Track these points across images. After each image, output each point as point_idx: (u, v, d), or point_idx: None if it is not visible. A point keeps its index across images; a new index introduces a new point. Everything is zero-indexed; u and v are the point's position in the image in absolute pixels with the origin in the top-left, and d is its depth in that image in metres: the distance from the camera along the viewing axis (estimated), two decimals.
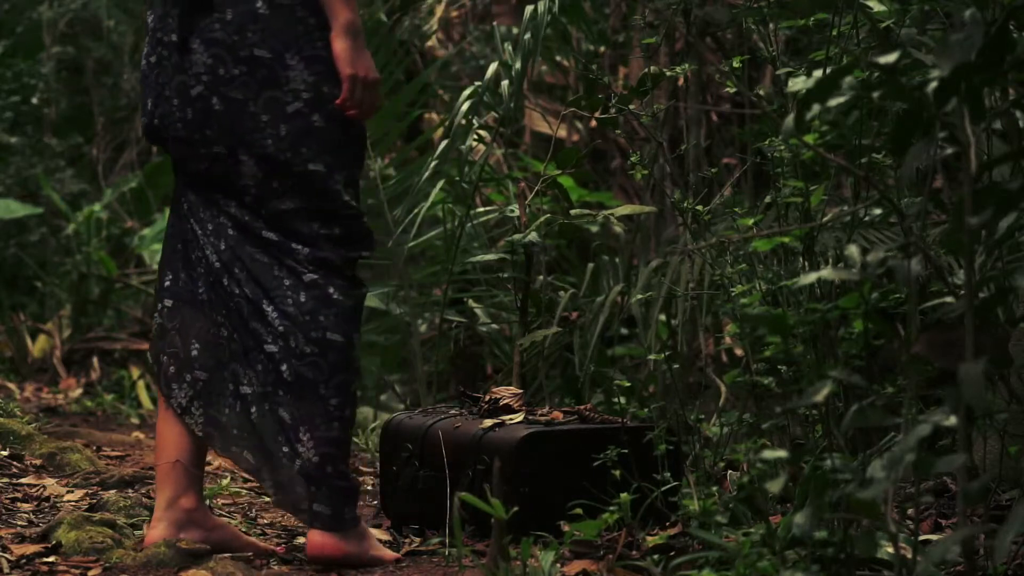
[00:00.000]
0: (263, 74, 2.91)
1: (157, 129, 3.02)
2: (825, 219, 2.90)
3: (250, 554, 2.96)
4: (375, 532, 3.13)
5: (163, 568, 2.79)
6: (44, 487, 3.59)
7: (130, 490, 3.59)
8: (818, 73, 2.46)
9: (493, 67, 4.66)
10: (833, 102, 1.92)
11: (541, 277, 4.50)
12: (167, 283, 3.04)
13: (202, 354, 2.99)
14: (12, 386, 6.63)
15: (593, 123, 6.32)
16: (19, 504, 3.42)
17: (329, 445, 2.90)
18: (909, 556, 1.99)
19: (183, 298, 3.01)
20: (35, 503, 3.45)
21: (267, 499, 3.65)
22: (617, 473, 2.91)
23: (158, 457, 3.00)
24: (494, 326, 5.11)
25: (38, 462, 3.95)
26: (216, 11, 2.93)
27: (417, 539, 3.13)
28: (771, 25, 3.20)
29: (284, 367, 2.93)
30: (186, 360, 2.99)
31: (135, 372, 6.72)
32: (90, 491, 3.57)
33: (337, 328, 2.95)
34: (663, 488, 2.90)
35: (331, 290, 2.96)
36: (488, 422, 3.25)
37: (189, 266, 3.02)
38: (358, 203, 3.02)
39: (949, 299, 2.21)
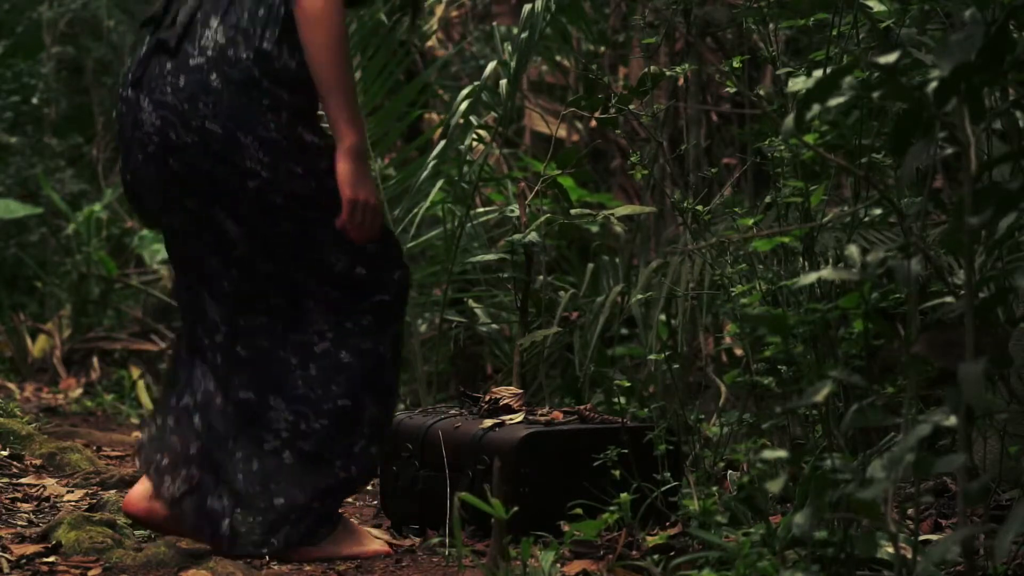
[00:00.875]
0: (217, 148, 2.83)
1: (130, 184, 2.97)
2: (825, 219, 2.90)
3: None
4: (375, 532, 3.14)
5: (163, 568, 2.79)
6: (44, 487, 3.59)
7: (130, 490, 3.59)
8: (818, 73, 2.45)
9: (491, 66, 4.66)
10: (833, 102, 1.92)
11: (541, 277, 4.50)
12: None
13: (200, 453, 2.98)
14: (12, 386, 6.63)
15: (593, 123, 6.31)
16: (19, 504, 3.42)
17: (323, 494, 2.95)
18: (909, 556, 1.99)
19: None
20: (35, 503, 3.45)
21: None
22: (617, 473, 2.91)
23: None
24: (494, 326, 5.11)
25: (38, 462, 3.95)
26: (170, 73, 2.86)
27: (417, 539, 3.13)
28: (771, 25, 3.20)
29: (287, 454, 2.95)
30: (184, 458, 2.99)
31: (135, 372, 6.72)
32: (90, 491, 3.57)
33: (347, 393, 2.95)
34: (663, 488, 2.90)
35: (343, 354, 2.95)
36: (488, 422, 3.25)
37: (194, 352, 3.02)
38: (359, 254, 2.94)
39: (949, 299, 2.21)
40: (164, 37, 2.89)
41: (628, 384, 3.27)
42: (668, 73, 3.46)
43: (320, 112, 2.90)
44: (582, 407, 3.40)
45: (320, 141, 2.88)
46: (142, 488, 2.99)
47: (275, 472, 2.93)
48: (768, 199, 3.09)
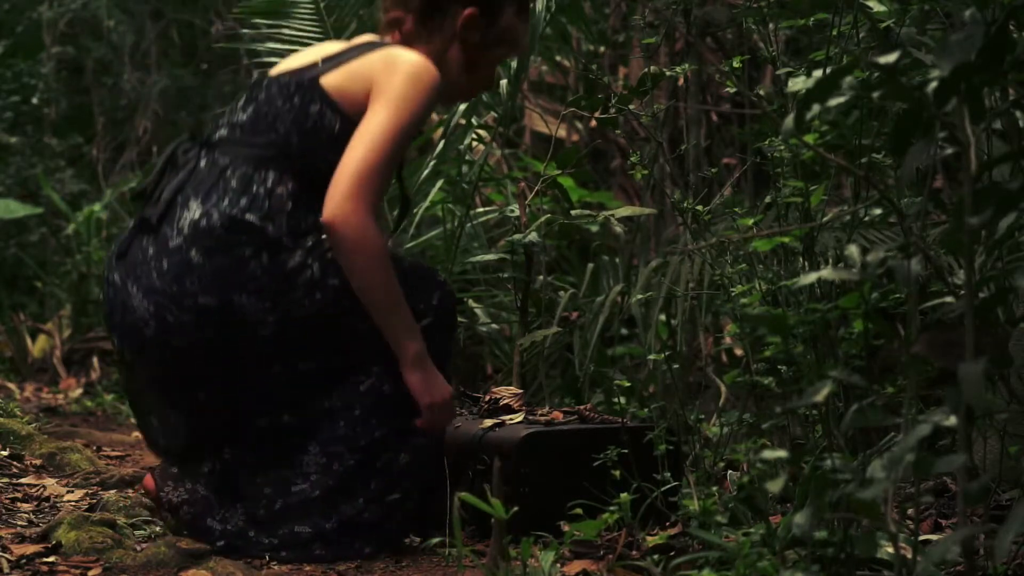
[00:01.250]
0: (216, 318, 2.83)
1: (126, 356, 2.95)
2: (825, 219, 2.90)
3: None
4: None
5: (163, 568, 2.79)
6: (44, 487, 3.59)
7: (130, 490, 3.59)
8: (818, 73, 2.45)
9: None
10: (833, 102, 1.92)
11: (541, 277, 4.50)
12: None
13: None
14: (12, 386, 6.63)
15: (593, 123, 6.31)
16: (19, 504, 3.42)
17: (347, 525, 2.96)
18: (909, 556, 1.99)
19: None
20: (35, 503, 3.45)
21: None
22: (617, 473, 2.91)
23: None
24: (494, 326, 5.11)
25: (38, 462, 3.95)
26: (153, 258, 2.85)
27: (417, 539, 3.13)
28: (771, 25, 3.20)
29: (316, 492, 2.95)
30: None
31: None
32: (90, 491, 3.57)
33: (383, 423, 2.95)
34: (663, 488, 2.90)
35: (386, 387, 2.94)
36: (488, 422, 3.25)
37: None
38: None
39: (949, 299, 2.21)
40: (147, 215, 2.91)
41: (628, 384, 3.27)
42: (668, 73, 3.46)
43: (287, 210, 2.88)
44: (582, 407, 3.41)
45: (298, 254, 2.86)
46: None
47: (300, 504, 2.95)
48: (768, 199, 3.09)
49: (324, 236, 2.86)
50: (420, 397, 2.90)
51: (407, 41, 3.05)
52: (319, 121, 2.90)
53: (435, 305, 2.99)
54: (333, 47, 3.04)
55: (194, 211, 2.84)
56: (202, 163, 2.93)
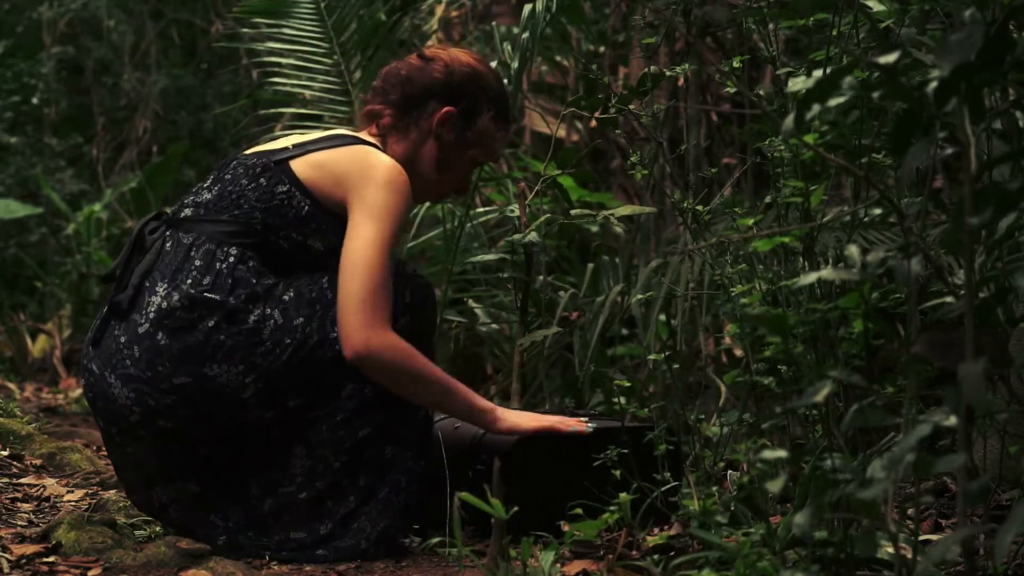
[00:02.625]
0: (196, 393, 2.85)
1: (115, 452, 2.99)
2: (825, 219, 2.90)
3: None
4: None
5: (163, 568, 2.79)
6: (44, 487, 3.59)
7: None
8: (818, 73, 2.45)
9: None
10: (833, 102, 1.92)
11: (541, 277, 4.50)
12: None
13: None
14: (12, 386, 6.63)
15: (593, 123, 6.31)
16: (19, 504, 3.42)
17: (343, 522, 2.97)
18: (909, 556, 1.99)
19: None
20: (35, 503, 3.45)
21: None
22: (617, 473, 2.91)
23: None
24: (494, 326, 5.11)
25: (38, 462, 3.94)
26: (124, 346, 2.87)
27: (417, 539, 3.13)
28: (771, 25, 3.20)
29: (303, 494, 2.95)
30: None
31: None
32: (90, 491, 3.57)
33: (368, 424, 2.96)
34: (663, 488, 2.90)
35: (367, 389, 2.94)
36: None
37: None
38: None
39: (949, 299, 2.21)
40: (117, 300, 2.93)
41: (628, 384, 3.27)
42: (668, 73, 3.45)
43: (249, 284, 2.90)
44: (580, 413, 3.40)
45: (256, 310, 2.88)
46: None
47: (290, 508, 2.95)
48: (768, 199, 3.09)
49: (279, 287, 2.90)
50: (533, 430, 3.03)
51: (383, 134, 3.13)
52: (286, 201, 2.95)
53: (409, 303, 3.00)
54: (305, 136, 3.11)
55: (160, 294, 2.88)
56: (167, 244, 2.96)
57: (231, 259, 2.90)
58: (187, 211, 3.01)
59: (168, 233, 2.98)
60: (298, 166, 2.98)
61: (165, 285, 2.88)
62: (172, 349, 2.84)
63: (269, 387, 2.87)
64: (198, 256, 2.90)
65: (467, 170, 3.22)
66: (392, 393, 2.94)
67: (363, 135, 3.13)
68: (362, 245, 2.88)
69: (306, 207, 2.95)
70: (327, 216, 2.96)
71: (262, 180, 2.96)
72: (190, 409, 2.86)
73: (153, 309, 2.86)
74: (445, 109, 3.13)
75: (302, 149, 3.01)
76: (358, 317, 2.84)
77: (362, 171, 2.94)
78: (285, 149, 3.03)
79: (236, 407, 2.87)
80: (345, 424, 2.93)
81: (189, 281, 2.86)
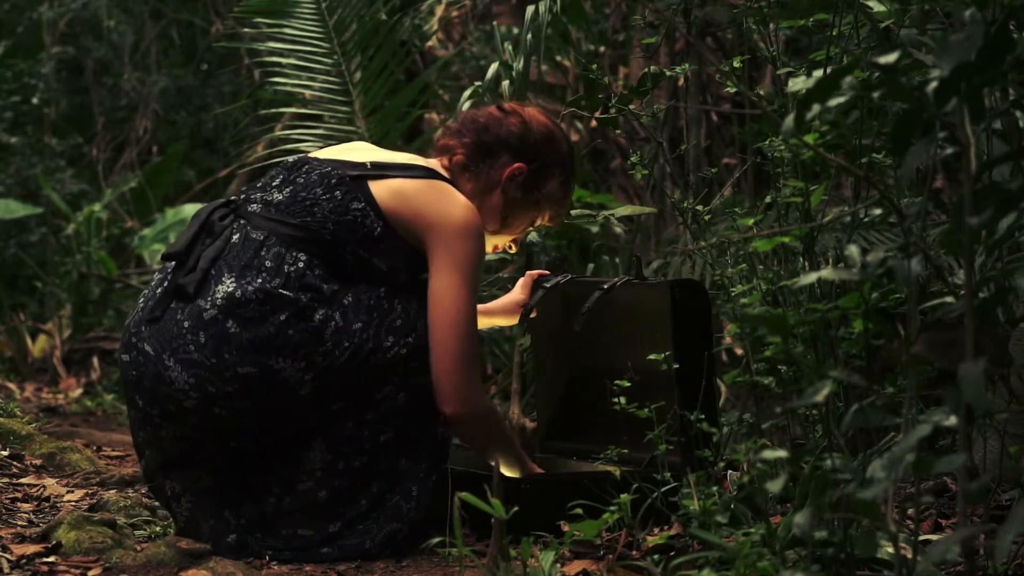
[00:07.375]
0: (258, 385, 2.85)
1: (146, 436, 2.98)
2: (825, 219, 2.90)
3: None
4: None
5: (163, 568, 2.79)
6: (44, 487, 3.59)
7: (130, 490, 3.59)
8: (818, 73, 2.46)
9: (494, 67, 4.66)
10: (833, 102, 1.92)
11: None
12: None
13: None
14: (12, 386, 6.64)
15: (593, 123, 6.31)
16: (19, 504, 3.42)
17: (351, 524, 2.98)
18: (909, 556, 1.99)
19: None
20: (35, 503, 3.45)
21: None
22: (617, 473, 2.90)
23: None
24: None
25: (38, 462, 3.94)
26: (188, 331, 2.86)
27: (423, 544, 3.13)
28: (771, 25, 3.20)
29: (322, 492, 2.95)
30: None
31: None
32: (90, 491, 3.57)
33: (390, 428, 2.96)
34: (663, 488, 2.90)
35: (401, 395, 2.95)
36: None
37: None
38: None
39: (949, 299, 2.21)
40: (183, 282, 2.91)
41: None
42: (668, 73, 3.46)
43: (316, 288, 2.92)
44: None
45: (321, 310, 2.89)
46: None
47: (305, 507, 2.95)
48: (768, 199, 3.09)
49: (340, 291, 2.91)
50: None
51: (454, 172, 3.15)
52: (360, 219, 2.96)
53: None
54: (379, 154, 3.11)
55: (228, 284, 2.87)
56: (235, 236, 2.95)
57: (300, 264, 2.90)
58: (255, 206, 3.00)
59: (237, 224, 2.98)
60: (377, 189, 2.99)
61: (233, 278, 2.87)
62: (242, 338, 2.83)
63: (323, 386, 2.87)
64: (268, 257, 2.90)
65: (524, 229, 3.25)
66: (419, 405, 2.96)
67: (436, 165, 3.14)
68: (453, 300, 2.93)
69: (378, 229, 2.96)
70: (396, 239, 2.97)
71: (337, 193, 2.97)
72: (248, 400, 2.85)
73: (221, 297, 2.85)
74: (516, 164, 3.14)
75: (380, 171, 3.02)
76: (458, 378, 2.92)
77: (442, 211, 2.98)
78: (362, 165, 3.03)
79: (292, 402, 2.86)
80: (371, 425, 2.93)
81: (259, 280, 2.87)
